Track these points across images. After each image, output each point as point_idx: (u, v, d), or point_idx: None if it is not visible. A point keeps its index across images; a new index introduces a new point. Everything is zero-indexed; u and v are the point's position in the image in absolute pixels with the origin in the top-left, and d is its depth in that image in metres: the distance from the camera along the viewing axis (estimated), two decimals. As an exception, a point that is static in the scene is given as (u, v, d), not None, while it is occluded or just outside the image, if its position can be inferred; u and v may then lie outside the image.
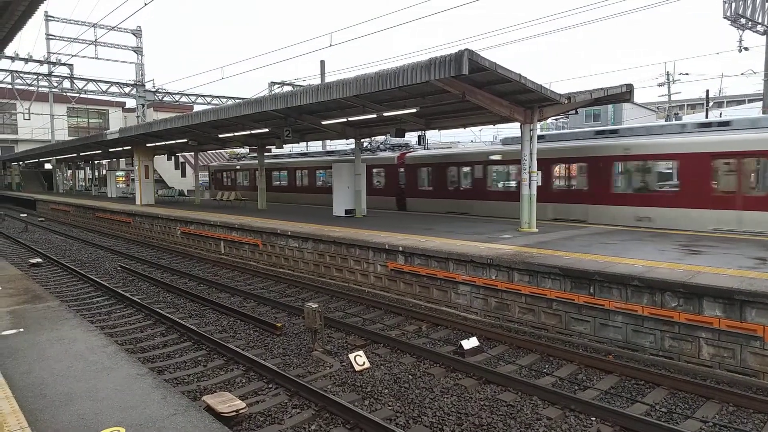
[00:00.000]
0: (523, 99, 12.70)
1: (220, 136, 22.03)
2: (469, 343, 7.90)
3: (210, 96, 37.20)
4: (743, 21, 18.42)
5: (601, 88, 13.68)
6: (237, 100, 29.89)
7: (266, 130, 19.06)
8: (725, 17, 18.09)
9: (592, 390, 6.53)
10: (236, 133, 20.70)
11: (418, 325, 9.42)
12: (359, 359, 7.31)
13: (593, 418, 5.75)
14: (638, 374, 6.84)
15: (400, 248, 11.32)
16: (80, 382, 4.60)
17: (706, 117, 30.22)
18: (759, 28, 18.42)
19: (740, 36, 19.33)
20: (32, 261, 16.00)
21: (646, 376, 6.76)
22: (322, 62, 31.65)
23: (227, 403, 5.82)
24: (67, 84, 33.25)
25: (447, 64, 9.59)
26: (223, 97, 37.39)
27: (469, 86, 11.65)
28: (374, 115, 14.90)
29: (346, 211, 18.38)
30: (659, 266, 8.32)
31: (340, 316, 9.98)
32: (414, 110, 14.31)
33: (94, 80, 33.68)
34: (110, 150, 32.07)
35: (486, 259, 9.72)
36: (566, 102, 12.78)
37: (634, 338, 7.76)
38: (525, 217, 13.43)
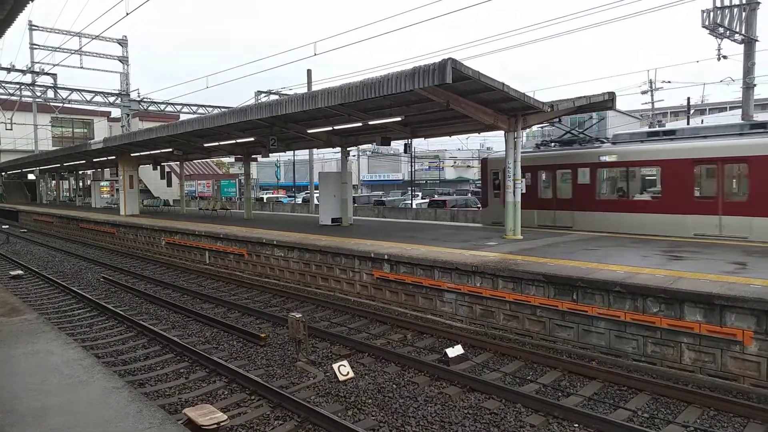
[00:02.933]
0: (507, 107, 12.81)
1: (206, 145, 21.95)
2: (454, 351, 7.88)
3: (196, 105, 37.05)
4: (721, 30, 18.72)
5: (584, 96, 13.83)
6: (223, 109, 29.76)
7: (252, 139, 19.02)
8: (704, 26, 18.39)
9: (576, 396, 6.53)
10: (221, 143, 20.63)
11: (404, 333, 9.38)
12: (343, 369, 7.26)
13: (576, 425, 5.75)
14: (621, 380, 6.86)
15: (386, 256, 11.30)
16: (54, 396, 4.50)
17: (688, 124, 30.61)
18: (737, 37, 18.72)
19: (719, 45, 19.66)
20: (13, 273, 15.73)
21: (629, 382, 6.78)
22: (309, 71, 31.68)
23: (208, 415, 5.73)
24: (50, 94, 32.93)
25: (431, 73, 9.66)
26: (209, 106, 37.24)
27: (453, 95, 11.72)
28: (360, 124, 14.93)
29: (333, 220, 18.35)
30: (641, 272, 8.38)
31: (325, 325, 9.92)
32: (399, 119, 14.37)
33: (78, 90, 33.40)
34: (95, 160, 31.78)
35: (471, 266, 9.72)
36: (549, 110, 12.91)
37: (617, 344, 7.79)
38: (510, 224, 13.48)
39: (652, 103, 38.81)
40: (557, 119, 16.35)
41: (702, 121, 38.32)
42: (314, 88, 30.26)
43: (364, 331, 9.62)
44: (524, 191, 14.14)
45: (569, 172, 15.81)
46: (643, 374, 7.03)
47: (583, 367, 7.28)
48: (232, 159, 36.77)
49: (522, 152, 15.77)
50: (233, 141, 19.72)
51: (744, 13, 18.07)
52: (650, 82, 37.43)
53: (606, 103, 14.30)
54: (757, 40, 17.64)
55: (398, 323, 9.85)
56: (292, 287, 13.36)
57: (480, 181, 22.79)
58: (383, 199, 40.15)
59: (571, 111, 15.12)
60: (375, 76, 10.88)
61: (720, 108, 45.41)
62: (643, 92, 38.39)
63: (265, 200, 47.63)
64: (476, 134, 18.88)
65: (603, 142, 16.31)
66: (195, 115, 34.88)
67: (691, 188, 13.43)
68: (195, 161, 47.77)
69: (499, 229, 15.25)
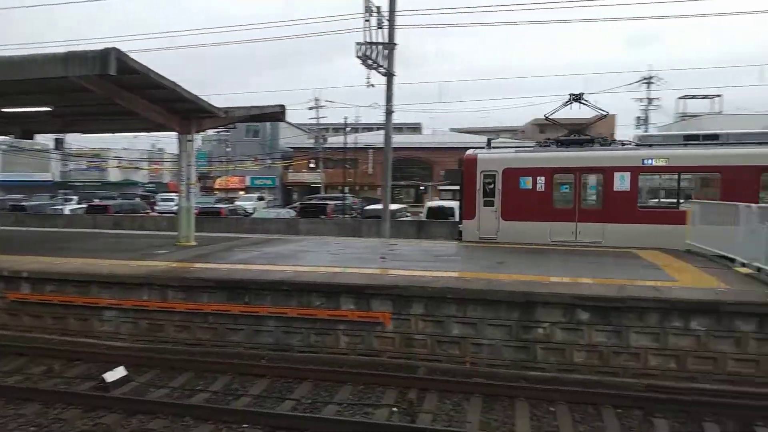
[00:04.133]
0: (180, 108, 12.30)
1: None
2: (114, 374, 7.01)
3: None
4: (370, 62, 21.95)
5: (257, 106, 14.37)
6: None
7: None
8: (357, 57, 21.31)
9: (246, 397, 6.62)
10: None
11: (48, 364, 7.83)
12: (-48, 423, 5.59)
13: (245, 425, 5.81)
14: (288, 372, 7.27)
15: (25, 274, 9.33)
16: None
17: (345, 140, 35.24)
18: (381, 69, 22.27)
19: (368, 74, 23.12)
20: None
21: (294, 373, 7.24)
22: None
23: None
24: None
25: (90, 61, 8.63)
26: None
27: (118, 88, 10.64)
28: (-12, 110, 11.96)
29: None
30: (306, 270, 9.17)
31: (-75, 371, 7.49)
32: (48, 108, 12.17)
33: None
34: None
35: (137, 278, 8.92)
36: (224, 115, 12.97)
37: (284, 339, 8.29)
38: (183, 231, 12.93)
39: (318, 118, 43.31)
40: (233, 125, 16.53)
41: (356, 138, 44.48)
42: None
43: (-10, 369, 7.66)
44: (533, 199, 13.16)
45: (600, 176, 13.29)
46: (307, 364, 7.59)
47: (254, 367, 7.45)
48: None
49: (533, 151, 14.51)
50: None
51: (386, 52, 21.72)
52: (316, 100, 41.66)
53: (277, 114, 15.13)
54: (394, 75, 21.39)
55: (42, 353, 8.18)
56: None
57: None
58: (24, 203, 32.72)
59: (246, 118, 15.50)
60: (16, 55, 9.06)
61: (369, 128, 53.76)
62: (310, 108, 42.47)
63: None
64: (146, 133, 17.38)
65: (614, 143, 14.30)
66: None
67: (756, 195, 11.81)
68: None
69: (171, 236, 14.35)
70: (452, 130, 61.84)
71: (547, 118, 15.14)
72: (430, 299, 7.92)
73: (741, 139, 12.82)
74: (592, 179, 13.54)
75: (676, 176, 12.82)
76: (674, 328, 7.31)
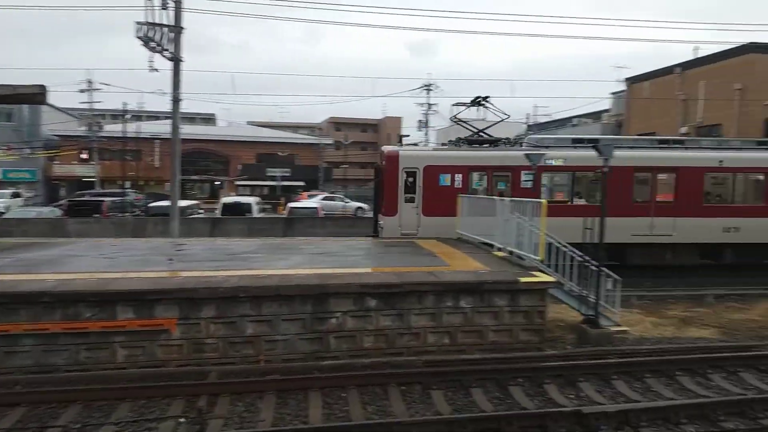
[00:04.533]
0: None
1: None
2: None
3: None
4: (154, 45, 20.07)
5: (10, 85, 12.03)
6: None
7: None
8: (138, 37, 19.28)
9: (-9, 434, 5.52)
10: None
11: None
12: None
13: (-10, 469, 4.85)
14: (51, 397, 6.25)
15: None
16: None
17: (124, 129, 31.69)
18: (167, 54, 20.54)
19: (152, 57, 21.09)
20: None
21: (59, 397, 6.25)
22: None
23: None
24: None
25: None
26: None
27: None
28: None
29: None
30: (74, 278, 7.99)
31: None
32: None
33: None
34: None
35: None
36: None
37: (46, 359, 7.12)
38: None
39: (91, 103, 38.19)
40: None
41: (139, 127, 40.47)
42: None
43: None
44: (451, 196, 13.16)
45: (508, 175, 14.37)
46: (75, 384, 6.62)
47: (4, 396, 6.24)
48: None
49: (450, 150, 15.12)
50: None
51: (172, 35, 20.06)
52: (89, 81, 36.70)
53: (36, 96, 12.85)
54: (182, 60, 19.91)
55: None
56: None
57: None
58: None
59: (-12, 98, 12.84)
60: None
61: (156, 116, 49.38)
62: (82, 91, 37.25)
63: None
64: None
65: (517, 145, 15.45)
66: None
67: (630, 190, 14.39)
68: None
69: None
70: (250, 123, 60.36)
71: (452, 119, 16.65)
72: (221, 300, 7.58)
73: (617, 144, 14.55)
74: (502, 177, 14.75)
75: (570, 175, 14.80)
76: (447, 308, 8.26)
